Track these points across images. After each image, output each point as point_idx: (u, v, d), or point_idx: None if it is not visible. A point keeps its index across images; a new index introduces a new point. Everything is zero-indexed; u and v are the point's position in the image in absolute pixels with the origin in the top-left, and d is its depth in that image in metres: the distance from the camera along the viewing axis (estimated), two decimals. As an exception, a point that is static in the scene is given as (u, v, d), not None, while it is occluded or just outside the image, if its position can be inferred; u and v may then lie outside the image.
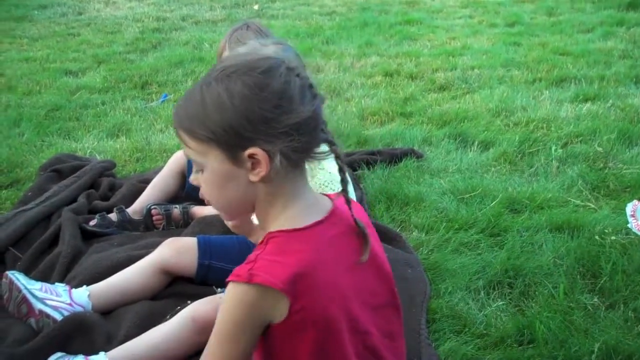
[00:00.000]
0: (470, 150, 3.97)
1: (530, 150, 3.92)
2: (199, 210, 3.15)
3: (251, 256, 1.42)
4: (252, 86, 1.38)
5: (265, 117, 1.39)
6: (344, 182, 1.53)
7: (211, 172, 1.47)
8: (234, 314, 1.41)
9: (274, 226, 1.48)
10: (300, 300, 1.39)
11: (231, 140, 1.41)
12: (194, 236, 2.71)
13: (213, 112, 1.41)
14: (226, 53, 2.92)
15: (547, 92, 5.04)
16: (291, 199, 1.48)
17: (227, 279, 1.42)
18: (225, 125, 1.40)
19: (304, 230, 1.45)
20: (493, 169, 3.72)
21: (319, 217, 1.49)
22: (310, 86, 1.45)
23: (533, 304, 2.50)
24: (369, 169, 3.74)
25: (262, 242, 1.46)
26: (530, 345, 2.30)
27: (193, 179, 1.54)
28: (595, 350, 2.23)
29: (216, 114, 1.40)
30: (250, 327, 1.42)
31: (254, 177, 1.43)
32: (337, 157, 1.50)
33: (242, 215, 1.61)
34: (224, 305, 1.44)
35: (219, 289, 2.48)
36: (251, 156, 1.41)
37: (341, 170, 1.52)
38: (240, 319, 1.41)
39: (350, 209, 1.52)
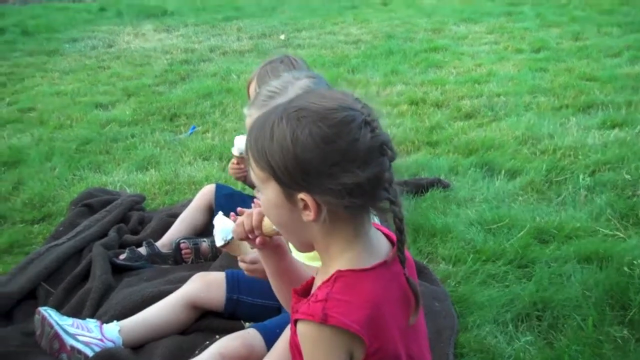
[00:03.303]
0: (497, 179, 3.96)
1: (558, 179, 3.90)
2: (227, 244, 3.17)
3: (319, 294, 1.43)
4: (317, 138, 1.38)
5: (321, 171, 1.39)
6: (400, 242, 1.47)
7: (267, 198, 1.50)
8: (318, 355, 1.41)
9: (338, 264, 1.47)
10: (375, 341, 1.40)
11: (287, 180, 1.42)
12: (222, 270, 2.74)
13: (276, 151, 1.42)
14: (254, 85, 2.93)
15: (574, 118, 5.02)
16: (352, 239, 1.48)
17: (296, 317, 1.43)
18: (283, 166, 1.41)
19: (371, 270, 1.46)
20: (520, 198, 3.70)
21: (382, 257, 1.50)
22: (382, 144, 1.42)
23: (562, 337, 2.48)
24: (395, 199, 3.73)
25: (329, 279, 1.45)
26: (560, 380, 2.29)
27: (257, 197, 1.55)
28: (626, 384, 2.21)
29: (278, 152, 1.41)
30: None
31: (305, 218, 1.45)
32: (395, 218, 1.44)
33: (302, 244, 1.56)
34: (304, 349, 1.43)
35: (247, 324, 2.51)
36: (303, 199, 1.42)
37: (399, 231, 1.45)
38: (326, 358, 1.41)
39: (404, 269, 1.50)
